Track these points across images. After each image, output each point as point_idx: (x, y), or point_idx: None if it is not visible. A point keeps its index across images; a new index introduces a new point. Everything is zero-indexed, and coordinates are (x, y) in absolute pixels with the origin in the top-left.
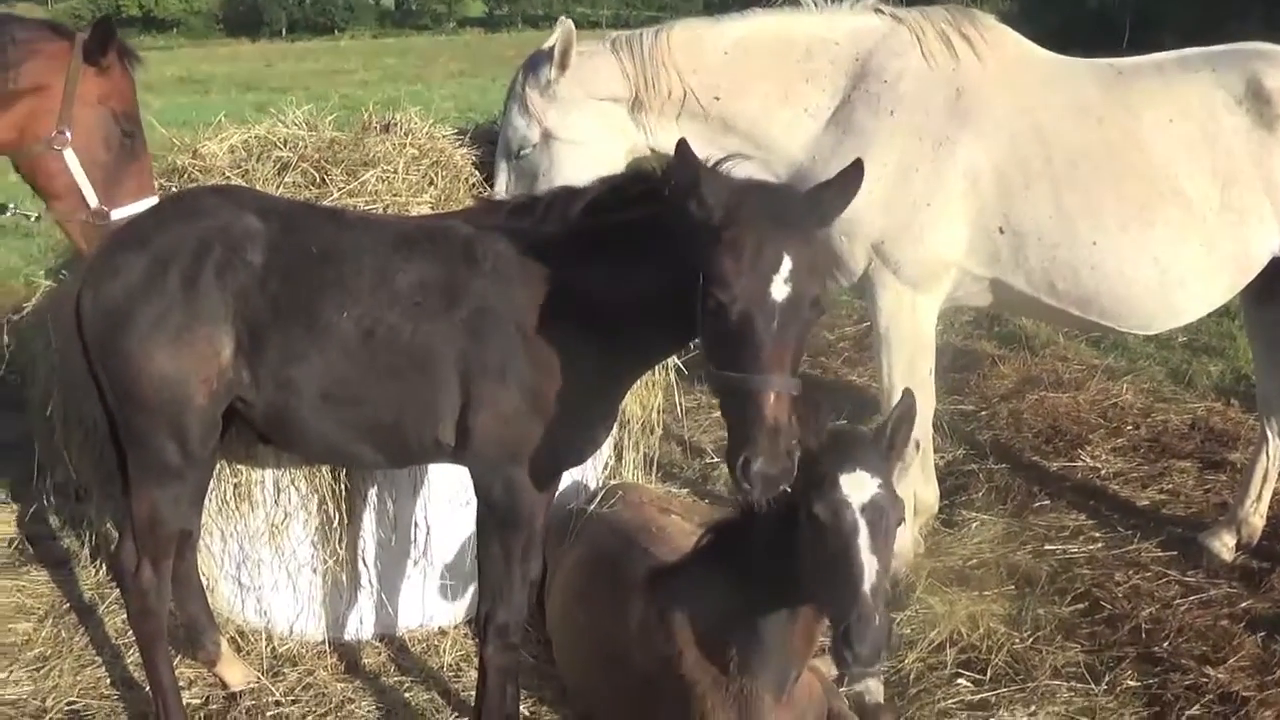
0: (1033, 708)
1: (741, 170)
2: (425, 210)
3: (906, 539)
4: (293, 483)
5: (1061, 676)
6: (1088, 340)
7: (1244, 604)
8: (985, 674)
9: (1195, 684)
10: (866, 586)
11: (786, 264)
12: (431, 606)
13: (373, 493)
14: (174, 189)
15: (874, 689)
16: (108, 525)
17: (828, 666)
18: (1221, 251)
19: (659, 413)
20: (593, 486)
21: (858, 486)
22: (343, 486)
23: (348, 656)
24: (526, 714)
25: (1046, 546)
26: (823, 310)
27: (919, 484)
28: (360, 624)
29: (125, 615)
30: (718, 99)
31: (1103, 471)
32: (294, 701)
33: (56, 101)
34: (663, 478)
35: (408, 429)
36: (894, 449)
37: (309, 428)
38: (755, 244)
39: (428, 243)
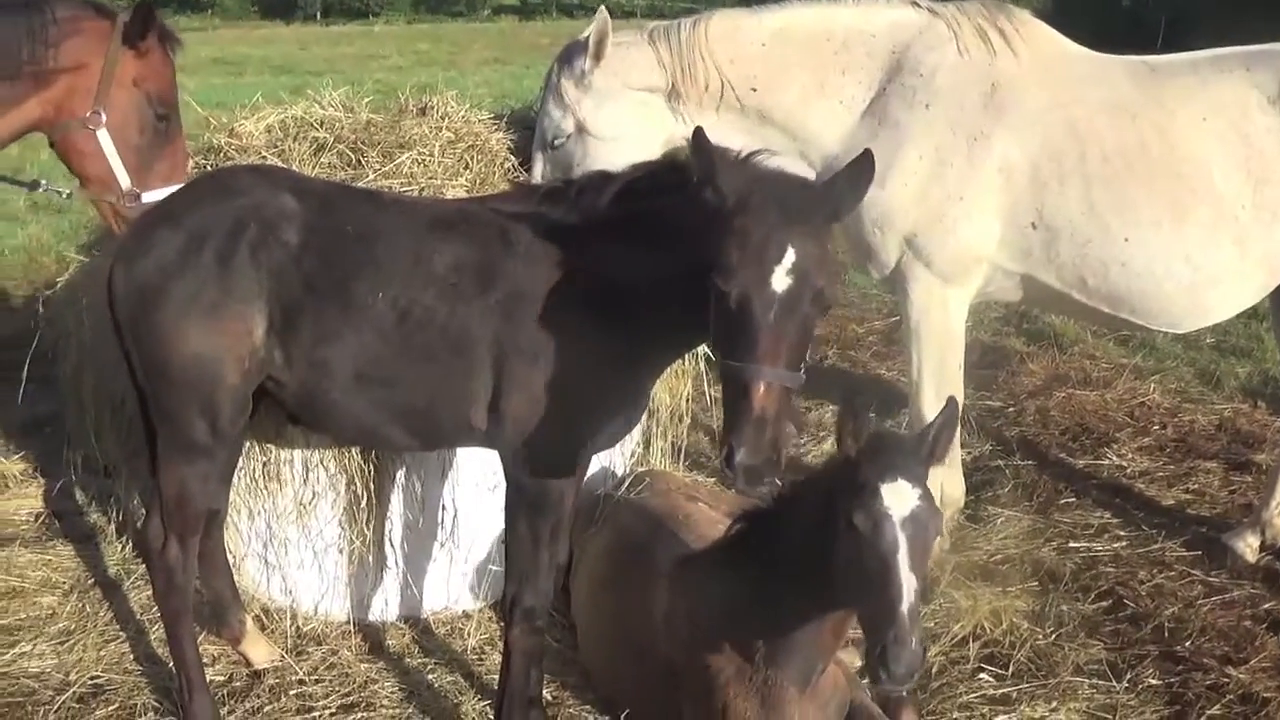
0: (1054, 704)
1: (774, 163)
2: (460, 193)
3: None
4: (321, 462)
5: (1083, 673)
6: (1116, 339)
7: (1267, 605)
8: (1008, 669)
9: (1216, 684)
10: (904, 607)
11: (790, 256)
12: (456, 589)
13: (401, 474)
14: (210, 167)
15: None
16: (135, 501)
17: (851, 657)
18: (1253, 252)
19: (687, 401)
20: (620, 473)
21: (899, 498)
22: (371, 467)
23: (372, 637)
24: (549, 698)
25: (1071, 544)
26: (828, 306)
27: (945, 478)
28: (385, 605)
29: (150, 591)
30: (754, 90)
31: (1128, 470)
32: (317, 681)
33: (94, 81)
34: (690, 466)
35: (440, 411)
36: (934, 456)
37: (341, 409)
38: (760, 234)
39: (463, 225)
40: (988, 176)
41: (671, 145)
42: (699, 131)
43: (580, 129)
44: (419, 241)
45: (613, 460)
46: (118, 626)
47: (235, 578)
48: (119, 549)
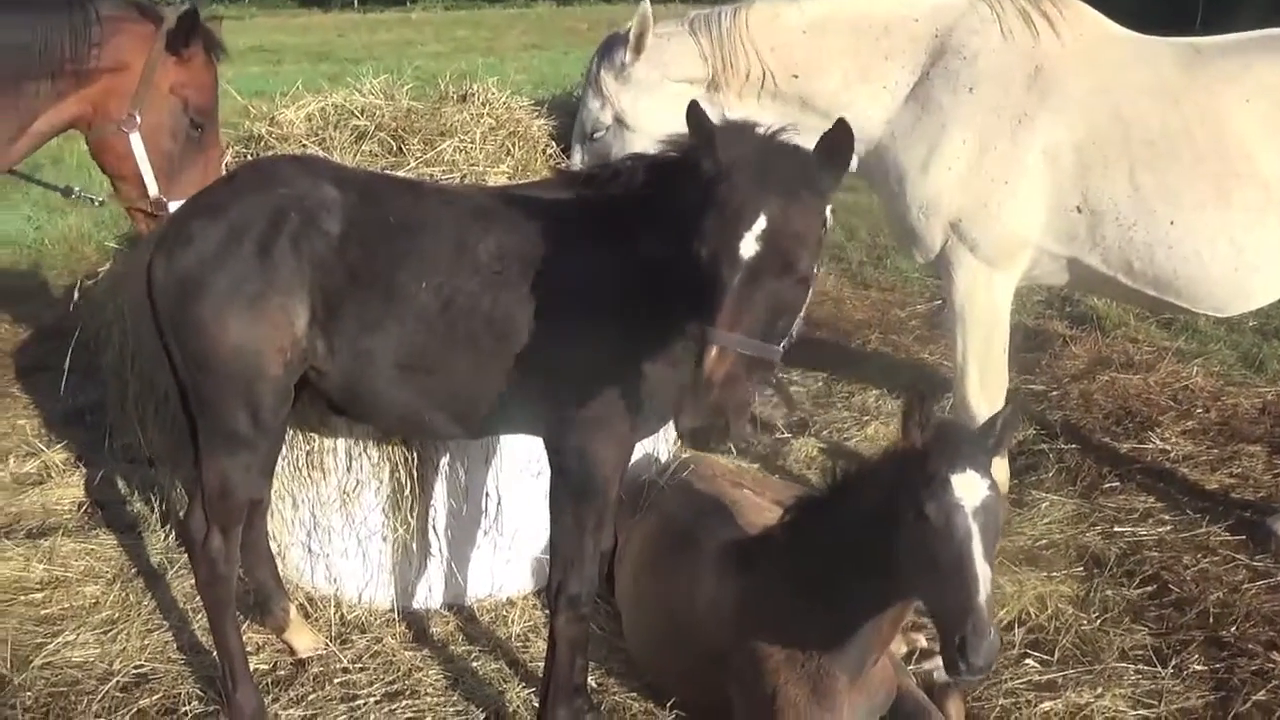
0: (1099, 690)
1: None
2: (503, 180)
3: None
4: (365, 450)
5: (1128, 659)
6: (1158, 322)
7: None
8: (1053, 655)
9: (1262, 669)
10: (982, 597)
11: (761, 222)
12: (500, 576)
13: (444, 462)
14: (250, 156)
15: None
16: (177, 490)
17: (897, 644)
18: None
19: None
20: (665, 459)
21: (969, 488)
22: (415, 455)
23: (416, 625)
24: (594, 685)
25: (1115, 528)
26: (805, 281)
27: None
28: (429, 593)
29: (194, 580)
30: (796, 77)
31: (1172, 454)
32: (361, 669)
33: (133, 83)
34: (735, 452)
35: (485, 399)
36: (999, 447)
37: (385, 398)
38: (735, 199)
39: (505, 213)
40: (1032, 160)
41: None
42: (694, 105)
43: (619, 121)
44: (462, 229)
45: (657, 446)
46: (161, 615)
47: (279, 566)
48: (162, 538)
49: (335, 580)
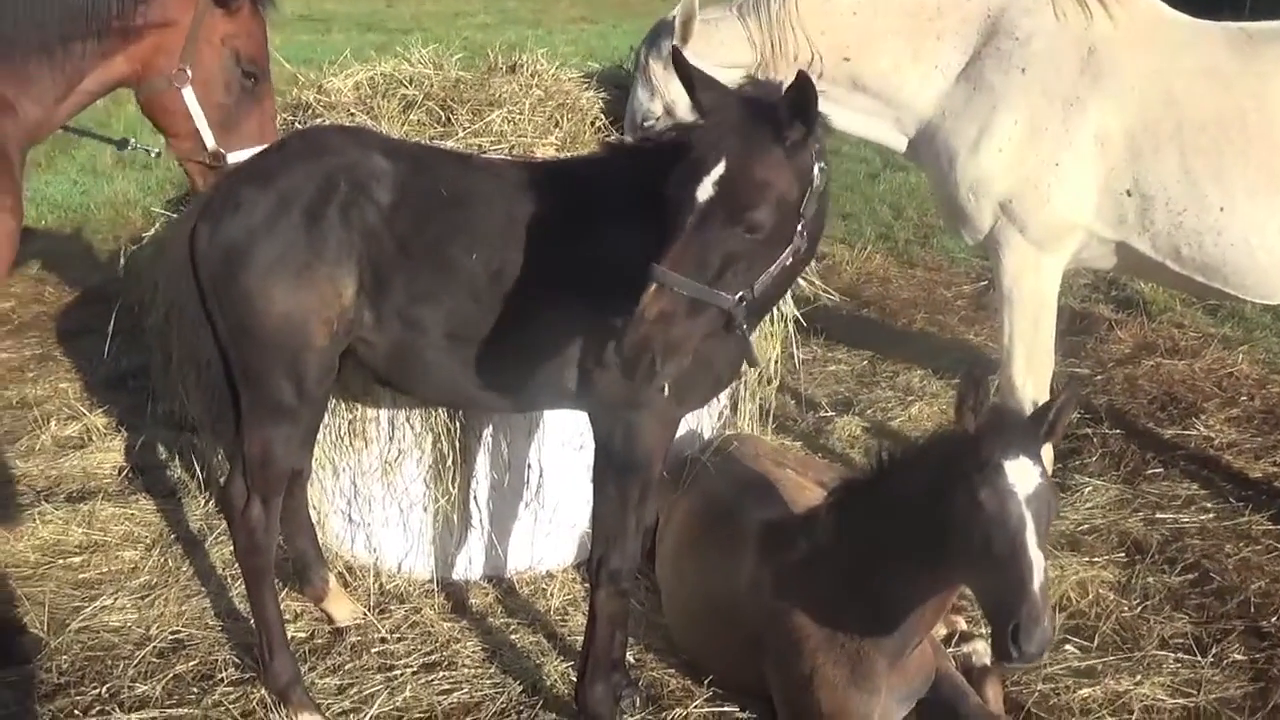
0: (1138, 677)
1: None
2: (551, 152)
3: None
4: (408, 420)
5: (1169, 647)
6: (1205, 308)
7: None
8: (1093, 641)
9: None
10: (1036, 585)
11: (720, 168)
12: (541, 549)
13: (487, 433)
14: (299, 124)
15: (981, 650)
16: (218, 456)
17: (937, 627)
18: None
19: (776, 364)
20: (708, 436)
21: (1023, 475)
22: (457, 425)
23: (455, 596)
24: (633, 661)
25: (1158, 515)
26: (760, 231)
27: None
28: (469, 564)
29: (233, 546)
30: (847, 59)
31: (1216, 441)
32: (399, 639)
33: (181, 38)
34: (777, 430)
35: (533, 372)
36: (1052, 434)
37: (432, 369)
38: (700, 144)
39: (555, 184)
40: (1083, 143)
41: None
42: (675, 51)
43: (668, 110)
44: (511, 202)
45: (700, 423)
46: (199, 582)
47: (319, 535)
48: (202, 504)
49: (375, 550)
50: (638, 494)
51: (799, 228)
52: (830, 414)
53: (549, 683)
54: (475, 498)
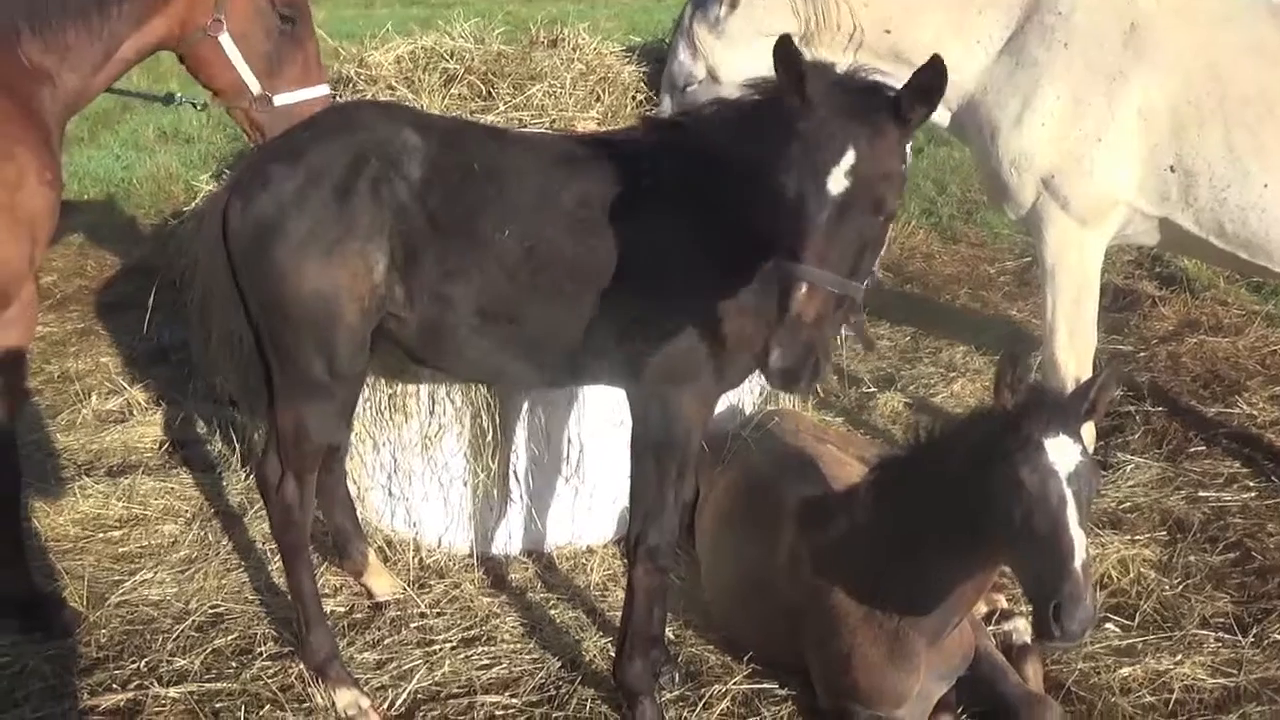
0: (1179, 657)
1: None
2: (592, 126)
3: None
4: (448, 394)
5: (1210, 626)
6: (1248, 285)
7: None
8: (1133, 620)
9: None
10: (1078, 563)
11: (849, 157)
12: (580, 524)
13: (527, 408)
14: (340, 98)
15: (1021, 629)
16: (259, 432)
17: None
18: None
19: None
20: (749, 411)
21: (1063, 454)
22: (497, 400)
23: (494, 571)
24: (672, 637)
25: (1200, 493)
26: (890, 216)
27: None
28: (509, 539)
29: None
30: (889, 32)
31: (1259, 419)
32: (438, 614)
33: None
34: (819, 405)
35: (567, 348)
36: (1093, 413)
37: (465, 345)
38: (822, 133)
39: (590, 160)
40: (1126, 118)
41: None
42: (784, 38)
43: (711, 75)
44: (545, 177)
45: (741, 398)
46: (239, 556)
47: (359, 509)
48: (242, 478)
49: (415, 524)
50: (676, 470)
51: None
52: (872, 390)
53: (588, 658)
54: (515, 473)
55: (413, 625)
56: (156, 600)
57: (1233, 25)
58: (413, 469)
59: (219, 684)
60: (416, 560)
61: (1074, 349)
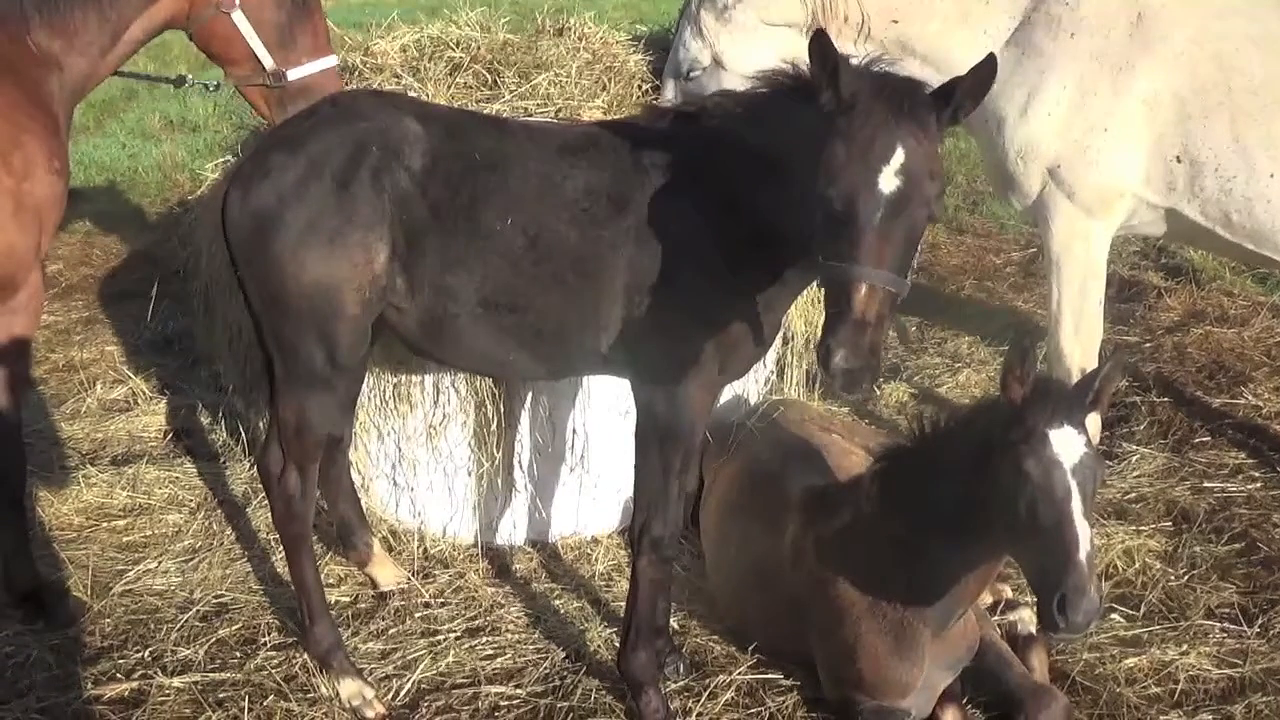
0: (1184, 647)
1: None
2: (597, 115)
3: None
4: (453, 384)
5: (1215, 617)
6: (1254, 275)
7: None
8: (1139, 610)
9: None
10: (1082, 555)
11: (899, 156)
12: (585, 514)
13: (532, 397)
14: (345, 87)
15: (1027, 619)
16: (263, 421)
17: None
18: None
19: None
20: (753, 401)
21: (1067, 445)
22: (502, 390)
23: (499, 561)
24: (676, 627)
25: (1205, 483)
26: (935, 215)
27: None
28: (513, 529)
29: None
30: (895, 22)
31: (1264, 410)
32: (443, 604)
33: None
34: (824, 395)
35: (569, 338)
36: (1097, 404)
37: (466, 336)
38: (870, 132)
39: (594, 150)
40: (1132, 108)
41: None
42: (821, 34)
43: (717, 62)
44: (548, 166)
45: (746, 389)
46: (243, 546)
47: (363, 499)
48: (246, 468)
49: (419, 514)
50: (679, 461)
51: None
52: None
53: (592, 648)
54: (520, 462)
55: (417, 615)
56: (161, 590)
57: (1239, 15)
58: (417, 459)
59: (223, 674)
60: (421, 550)
61: (1079, 339)
